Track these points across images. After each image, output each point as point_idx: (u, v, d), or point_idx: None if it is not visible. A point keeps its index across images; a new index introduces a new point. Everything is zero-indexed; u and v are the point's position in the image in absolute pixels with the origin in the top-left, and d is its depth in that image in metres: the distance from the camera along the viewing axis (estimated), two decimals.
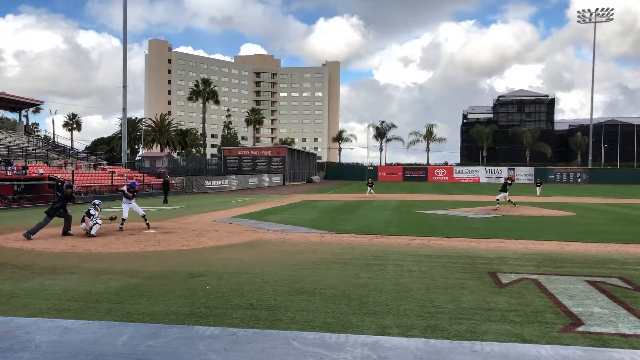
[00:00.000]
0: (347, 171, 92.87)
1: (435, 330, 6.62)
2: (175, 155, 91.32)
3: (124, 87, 49.12)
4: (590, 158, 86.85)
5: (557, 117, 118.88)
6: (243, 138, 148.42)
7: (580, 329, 6.79)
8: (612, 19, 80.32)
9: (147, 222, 17.65)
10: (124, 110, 49.89)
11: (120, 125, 64.16)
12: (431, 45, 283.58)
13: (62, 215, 15.79)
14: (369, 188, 38.97)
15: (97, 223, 15.63)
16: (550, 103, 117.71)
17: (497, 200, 28.28)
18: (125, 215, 17.30)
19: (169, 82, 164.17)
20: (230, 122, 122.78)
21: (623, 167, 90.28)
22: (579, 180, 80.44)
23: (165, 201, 32.68)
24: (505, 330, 6.67)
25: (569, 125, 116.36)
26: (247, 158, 72.10)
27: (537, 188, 44.59)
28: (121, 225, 17.10)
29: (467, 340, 6.22)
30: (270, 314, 7.33)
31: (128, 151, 59.66)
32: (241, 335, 6.34)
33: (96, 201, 16.51)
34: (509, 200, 28.46)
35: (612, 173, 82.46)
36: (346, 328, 6.65)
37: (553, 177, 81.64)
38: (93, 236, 15.27)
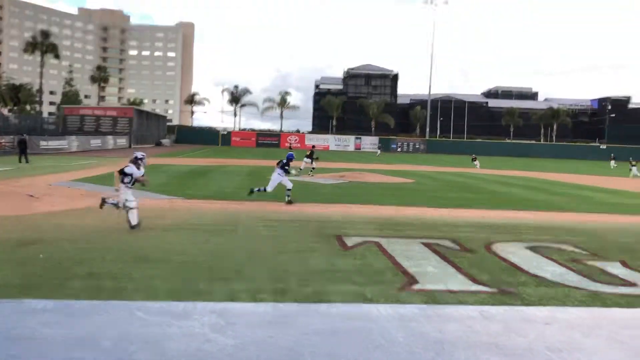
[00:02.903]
0: (199, 135, 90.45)
1: (284, 293, 6.77)
2: (6, 111, 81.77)
3: None
4: (427, 130, 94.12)
5: (400, 90, 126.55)
6: (86, 97, 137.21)
7: (415, 287, 7.37)
8: (447, 3, 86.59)
9: None
10: None
11: None
12: None
13: None
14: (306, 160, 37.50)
15: (130, 207, 10.71)
16: (394, 78, 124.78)
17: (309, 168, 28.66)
18: None
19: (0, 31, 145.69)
20: (72, 79, 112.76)
21: (455, 139, 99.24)
22: (418, 150, 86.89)
23: (27, 161, 29.67)
24: (349, 291, 7.02)
25: (410, 99, 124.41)
26: (90, 118, 66.96)
27: (476, 162, 45.11)
28: None
29: (313, 302, 6.44)
30: (112, 283, 6.94)
31: None
32: (79, 307, 5.92)
33: (139, 154, 11.48)
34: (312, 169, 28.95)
35: (446, 144, 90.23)
36: (195, 295, 6.52)
37: (395, 146, 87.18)
38: (134, 226, 10.67)
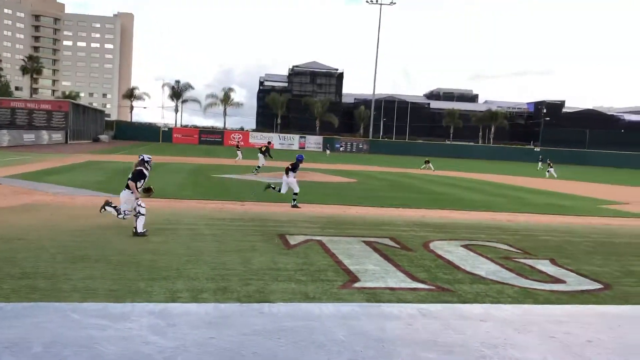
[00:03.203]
0: (139, 131, 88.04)
1: (226, 292, 6.72)
2: None
3: None
4: (371, 130, 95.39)
5: (345, 90, 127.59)
6: (17, 88, 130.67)
7: (356, 284, 7.48)
8: (394, 3, 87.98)
9: None
10: None
11: None
12: None
13: None
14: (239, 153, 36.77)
15: (141, 212, 10.09)
16: (339, 76, 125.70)
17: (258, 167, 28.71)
18: None
19: None
20: (0, 69, 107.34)
21: (398, 140, 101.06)
22: (362, 150, 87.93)
23: None
24: (291, 289, 7.04)
25: (355, 98, 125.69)
26: (23, 111, 63.86)
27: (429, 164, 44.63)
28: None
29: (255, 301, 6.43)
30: (47, 283, 6.69)
31: None
32: (10, 309, 5.67)
33: (145, 156, 10.85)
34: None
35: (389, 145, 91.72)
36: (134, 295, 6.37)
37: (339, 146, 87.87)
38: (141, 234, 10.03)
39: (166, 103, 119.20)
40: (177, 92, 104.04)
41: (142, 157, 10.69)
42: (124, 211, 10.28)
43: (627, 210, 19.50)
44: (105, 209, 10.62)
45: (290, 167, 15.84)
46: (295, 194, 15.53)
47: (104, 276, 7.17)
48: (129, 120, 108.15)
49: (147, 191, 10.62)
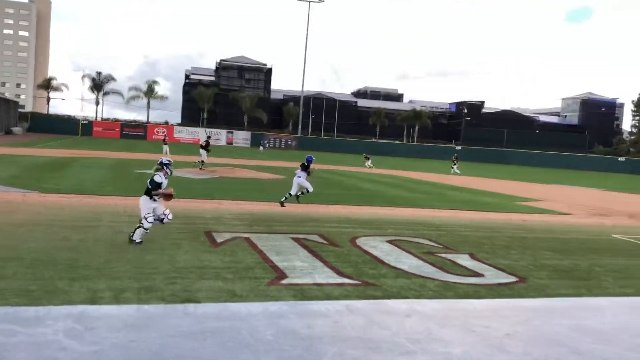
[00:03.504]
0: (57, 124, 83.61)
1: (150, 291, 6.50)
2: None
3: None
4: (300, 127, 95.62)
5: (274, 86, 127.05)
6: None
7: (284, 281, 7.46)
8: (323, 1, 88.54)
9: None
10: None
11: None
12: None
13: None
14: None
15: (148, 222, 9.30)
16: (268, 72, 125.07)
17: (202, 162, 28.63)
18: None
19: None
20: None
21: (326, 137, 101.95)
22: (290, 146, 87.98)
23: None
24: (218, 287, 6.92)
25: (284, 95, 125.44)
26: None
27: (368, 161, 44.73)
28: None
29: (180, 300, 6.26)
30: None
31: None
32: None
33: (164, 159, 9.96)
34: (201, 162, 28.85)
35: (317, 141, 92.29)
36: (51, 296, 6.04)
37: (267, 142, 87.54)
38: (136, 242, 9.29)
39: (86, 95, 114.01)
40: (98, 84, 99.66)
41: (161, 161, 9.82)
42: (145, 217, 9.27)
43: (540, 207, 20.63)
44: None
45: (301, 167, 16.22)
46: (308, 192, 16.16)
47: (17, 276, 6.75)
48: (46, 112, 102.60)
49: (168, 197, 9.58)
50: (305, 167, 16.12)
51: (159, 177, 9.41)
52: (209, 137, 32.30)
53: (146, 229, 9.27)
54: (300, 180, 15.94)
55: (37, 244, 8.61)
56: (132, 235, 9.33)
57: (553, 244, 12.17)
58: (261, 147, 65.26)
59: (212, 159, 40.61)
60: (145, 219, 9.22)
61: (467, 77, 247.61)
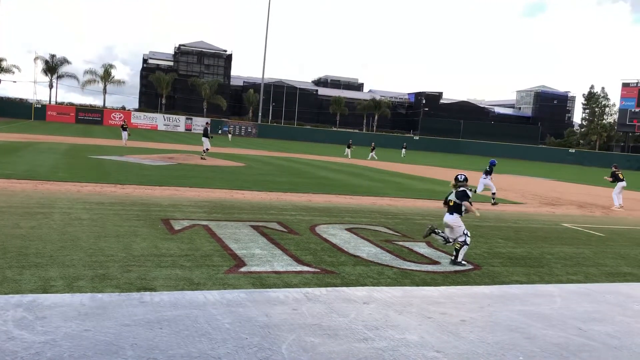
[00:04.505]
0: (7, 107, 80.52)
1: (104, 279, 6.36)
2: None
3: None
4: (260, 114, 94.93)
5: (234, 72, 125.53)
6: None
7: (243, 269, 7.42)
8: None
9: None
10: None
11: None
12: None
13: None
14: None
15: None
16: (228, 58, 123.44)
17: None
18: None
19: None
20: None
21: (286, 125, 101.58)
22: (250, 134, 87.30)
23: None
24: (175, 275, 6.82)
25: (244, 82, 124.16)
26: None
27: (348, 150, 46.01)
28: None
29: (136, 288, 6.14)
30: None
31: None
32: None
33: (460, 176, 9.24)
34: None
35: (277, 129, 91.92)
36: (0, 284, 5.83)
37: (227, 129, 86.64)
38: (462, 264, 8.78)
39: (39, 78, 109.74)
40: (52, 67, 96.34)
41: (460, 177, 9.19)
42: (464, 233, 8.83)
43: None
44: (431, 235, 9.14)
45: (487, 170, 18.70)
46: (494, 193, 18.29)
47: None
48: None
49: (459, 210, 8.99)
50: (490, 171, 18.71)
51: (468, 191, 9.02)
52: (208, 124, 31.87)
53: (468, 244, 8.87)
54: (486, 181, 18.59)
55: None
56: (456, 258, 8.80)
57: (506, 233, 12.50)
58: (230, 135, 64.10)
59: (170, 145, 40.02)
60: (466, 235, 8.82)
61: (426, 67, 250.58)
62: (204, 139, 28.79)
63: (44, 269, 6.58)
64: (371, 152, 45.60)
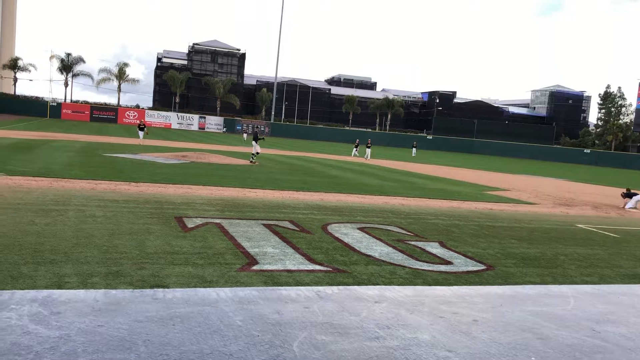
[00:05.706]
0: (24, 106, 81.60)
1: (118, 277, 6.42)
2: None
3: None
4: (273, 113, 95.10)
5: (247, 71, 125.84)
6: None
7: (255, 267, 7.44)
8: None
9: None
10: None
11: None
12: None
13: None
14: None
15: None
16: (242, 57, 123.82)
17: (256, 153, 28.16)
18: None
19: None
20: None
21: (299, 124, 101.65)
22: (263, 133, 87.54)
23: None
24: (188, 272, 6.86)
25: (257, 80, 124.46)
26: None
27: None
28: None
29: (149, 285, 6.19)
30: None
31: None
32: None
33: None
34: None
35: (290, 128, 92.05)
36: (15, 280, 5.91)
37: (240, 128, 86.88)
38: None
39: (55, 76, 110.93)
40: (67, 65, 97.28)
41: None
42: None
43: (507, 196, 21.01)
44: None
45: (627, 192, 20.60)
46: None
47: None
48: (12, 93, 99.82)
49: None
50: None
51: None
52: (257, 127, 31.72)
53: None
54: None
55: (2, 228, 8.40)
56: None
57: (520, 233, 12.41)
58: (245, 134, 62.97)
59: (183, 143, 40.23)
60: None
61: (439, 67, 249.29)
62: (253, 142, 28.26)
63: (58, 266, 6.66)
64: (367, 148, 44.58)
